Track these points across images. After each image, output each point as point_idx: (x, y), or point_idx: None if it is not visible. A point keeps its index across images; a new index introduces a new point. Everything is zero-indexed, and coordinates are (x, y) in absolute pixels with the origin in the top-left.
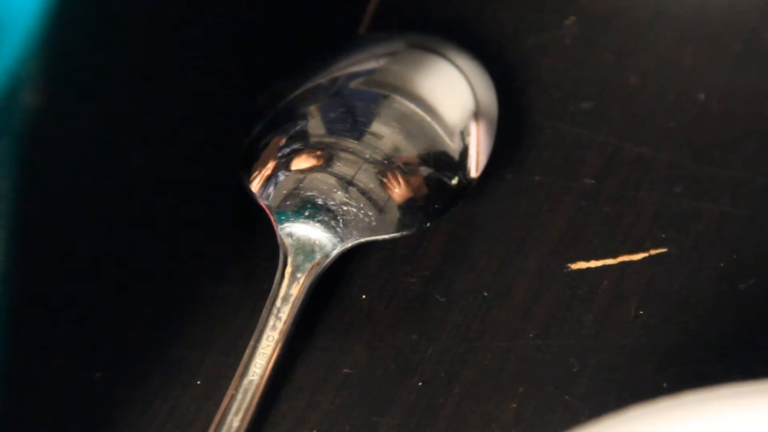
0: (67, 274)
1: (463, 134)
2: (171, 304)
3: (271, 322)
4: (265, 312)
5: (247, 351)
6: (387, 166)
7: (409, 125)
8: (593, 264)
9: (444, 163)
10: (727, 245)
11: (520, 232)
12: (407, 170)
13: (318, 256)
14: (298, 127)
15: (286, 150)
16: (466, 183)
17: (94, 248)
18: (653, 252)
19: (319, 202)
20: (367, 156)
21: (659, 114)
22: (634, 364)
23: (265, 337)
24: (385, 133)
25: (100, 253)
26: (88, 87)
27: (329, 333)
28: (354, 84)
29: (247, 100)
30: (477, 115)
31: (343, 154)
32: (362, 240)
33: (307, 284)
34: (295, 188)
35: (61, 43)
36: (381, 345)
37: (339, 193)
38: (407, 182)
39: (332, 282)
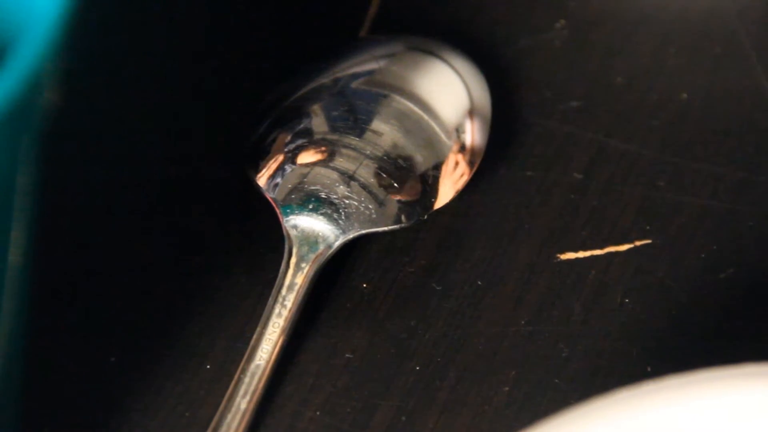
0: (83, 265)
1: (459, 131)
2: (182, 293)
3: (276, 310)
4: (271, 300)
5: (254, 337)
6: (386, 161)
7: (407, 123)
8: (581, 255)
9: (440, 159)
10: (708, 237)
11: (512, 224)
12: (406, 166)
13: (321, 247)
14: (302, 125)
15: (291, 146)
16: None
17: (109, 240)
18: (638, 243)
19: (323, 195)
20: (368, 152)
21: (644, 112)
22: (619, 349)
23: (271, 323)
24: (384, 131)
25: (115, 245)
26: (105, 86)
27: (332, 320)
28: (355, 84)
29: (254, 100)
30: (471, 113)
31: (344, 151)
32: (363, 232)
33: (311, 274)
34: (300, 182)
35: (79, 44)
36: (381, 331)
37: (341, 187)
38: (406, 177)
39: (335, 271)
